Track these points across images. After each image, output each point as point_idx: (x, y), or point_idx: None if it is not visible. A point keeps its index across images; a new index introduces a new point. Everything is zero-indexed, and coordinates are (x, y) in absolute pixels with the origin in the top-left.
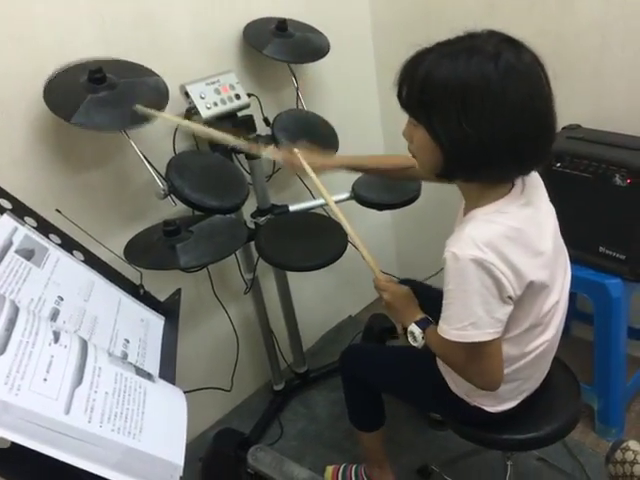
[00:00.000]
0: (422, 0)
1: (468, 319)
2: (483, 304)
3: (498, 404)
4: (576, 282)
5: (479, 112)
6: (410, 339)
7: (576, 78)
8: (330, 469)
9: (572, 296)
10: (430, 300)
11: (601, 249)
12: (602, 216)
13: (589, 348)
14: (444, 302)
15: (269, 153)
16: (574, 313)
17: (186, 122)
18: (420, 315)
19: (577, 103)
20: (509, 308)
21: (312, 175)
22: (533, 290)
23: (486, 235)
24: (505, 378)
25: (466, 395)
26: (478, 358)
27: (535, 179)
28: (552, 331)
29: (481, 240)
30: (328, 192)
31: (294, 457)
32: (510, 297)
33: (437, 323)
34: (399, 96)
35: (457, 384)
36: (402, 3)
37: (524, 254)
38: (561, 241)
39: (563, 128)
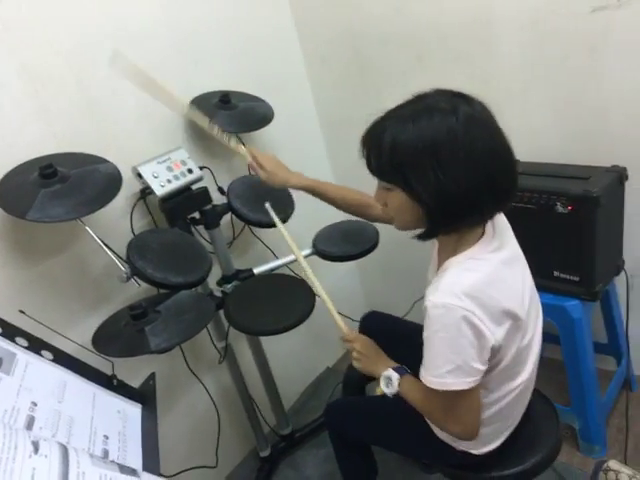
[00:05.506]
0: (355, 55)
1: (445, 366)
2: (461, 353)
3: (483, 446)
4: None
5: (454, 162)
6: (383, 385)
7: (507, 116)
8: None
9: None
10: (396, 332)
11: (556, 273)
12: (551, 242)
13: (563, 368)
14: (424, 349)
15: (244, 152)
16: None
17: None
18: (393, 363)
19: (513, 139)
20: (487, 356)
21: (284, 232)
22: (510, 331)
23: (464, 283)
24: (487, 421)
25: (452, 440)
26: (455, 407)
27: (502, 222)
28: (529, 369)
29: (459, 289)
30: (298, 247)
31: None
32: (490, 344)
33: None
34: (368, 165)
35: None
36: (336, 61)
37: (501, 298)
38: (530, 278)
39: None
